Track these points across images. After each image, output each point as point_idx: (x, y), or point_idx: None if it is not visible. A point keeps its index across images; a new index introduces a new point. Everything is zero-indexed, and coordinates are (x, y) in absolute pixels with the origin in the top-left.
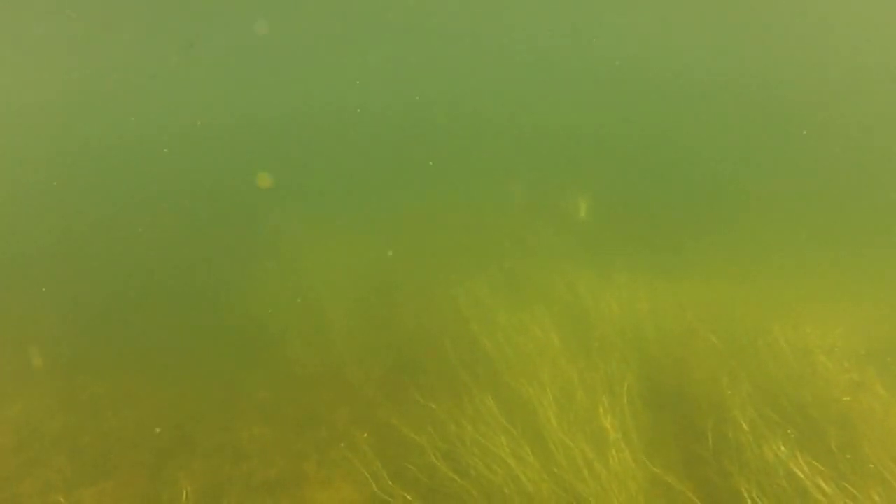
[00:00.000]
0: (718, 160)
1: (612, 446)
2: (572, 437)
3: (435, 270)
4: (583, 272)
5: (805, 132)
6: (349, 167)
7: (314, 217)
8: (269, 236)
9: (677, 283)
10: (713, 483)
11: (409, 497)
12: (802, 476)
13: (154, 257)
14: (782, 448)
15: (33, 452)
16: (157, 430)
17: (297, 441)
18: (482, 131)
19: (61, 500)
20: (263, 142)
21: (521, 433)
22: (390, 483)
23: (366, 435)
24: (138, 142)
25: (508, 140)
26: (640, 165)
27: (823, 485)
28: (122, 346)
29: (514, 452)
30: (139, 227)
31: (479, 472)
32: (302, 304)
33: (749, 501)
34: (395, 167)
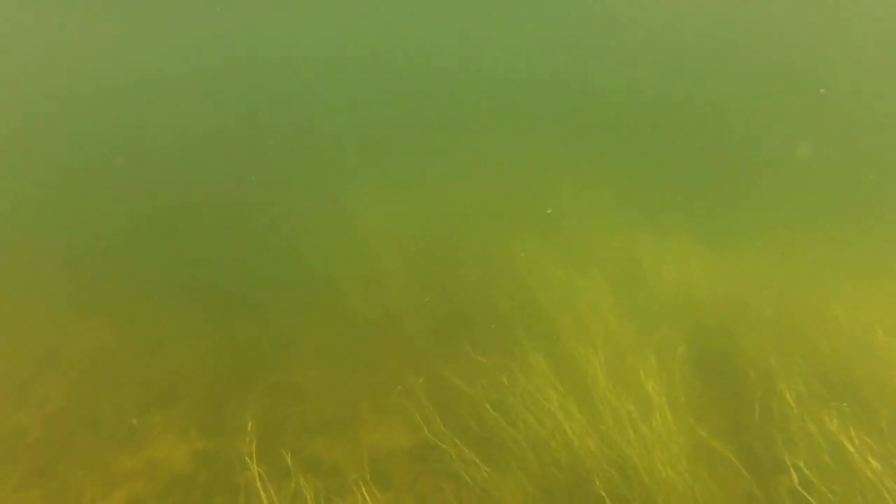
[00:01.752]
0: (782, 129)
1: (657, 409)
2: (619, 397)
3: (490, 227)
4: (639, 236)
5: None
6: (409, 120)
7: (373, 168)
8: (328, 186)
9: (735, 251)
10: (756, 452)
11: (458, 442)
12: (852, 450)
13: (215, 203)
14: (831, 423)
15: (106, 380)
16: (218, 367)
17: (351, 385)
18: (539, 92)
19: (134, 422)
20: (327, 85)
21: (569, 390)
22: (442, 427)
23: (421, 380)
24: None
25: (569, 102)
26: (700, 131)
27: (873, 461)
28: (186, 287)
29: (562, 407)
30: (205, 170)
31: (527, 423)
32: (359, 254)
33: (793, 471)
34: (457, 123)
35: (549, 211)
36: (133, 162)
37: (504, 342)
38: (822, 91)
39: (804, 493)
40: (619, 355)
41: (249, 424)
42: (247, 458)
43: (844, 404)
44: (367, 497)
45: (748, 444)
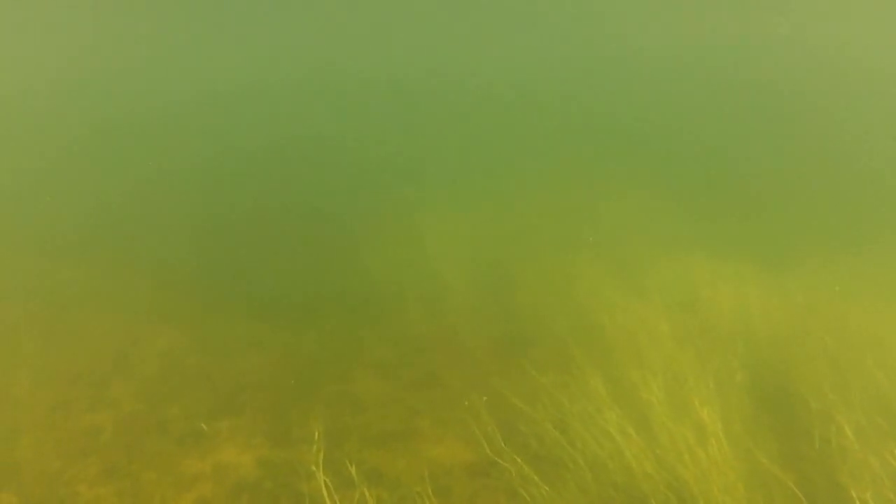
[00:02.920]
0: (849, 147)
1: (712, 434)
2: (676, 421)
3: (546, 248)
4: (696, 259)
5: None
6: (474, 138)
7: (437, 186)
8: (392, 203)
9: (794, 276)
10: (817, 482)
11: (518, 459)
12: None
13: (284, 215)
14: (894, 459)
15: (176, 384)
16: (283, 376)
17: (411, 399)
18: (588, 111)
19: (203, 426)
20: (394, 100)
21: (626, 412)
22: (502, 445)
23: (485, 398)
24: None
25: (617, 119)
26: (757, 149)
27: None
28: (253, 296)
29: (620, 429)
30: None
31: (585, 443)
32: (420, 271)
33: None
34: (520, 142)
35: (591, 239)
36: (207, 171)
37: (563, 362)
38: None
39: None
40: (676, 380)
41: (315, 434)
42: (313, 467)
43: None
44: None
45: (807, 473)
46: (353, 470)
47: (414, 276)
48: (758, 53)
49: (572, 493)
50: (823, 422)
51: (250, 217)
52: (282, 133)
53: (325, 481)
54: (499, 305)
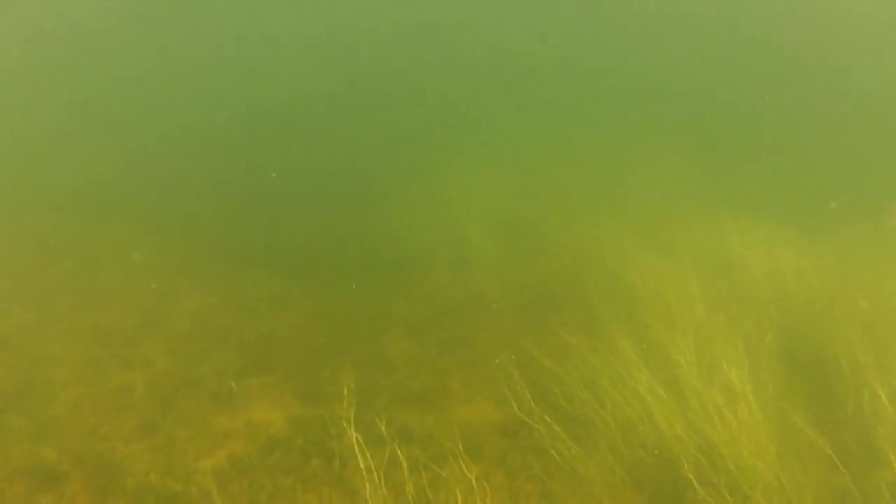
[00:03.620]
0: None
1: (742, 397)
2: (706, 384)
3: (575, 208)
4: (727, 219)
5: None
6: (503, 97)
7: (462, 145)
8: (420, 163)
9: (828, 237)
10: (850, 445)
11: (548, 419)
12: None
13: (311, 176)
14: None
15: (206, 342)
16: (312, 336)
17: (440, 359)
18: (613, 66)
19: (233, 385)
20: (418, 56)
21: (656, 374)
22: (532, 405)
23: (513, 356)
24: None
25: (643, 72)
26: (790, 104)
27: None
28: (281, 256)
29: (650, 391)
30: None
31: (615, 404)
32: (447, 232)
33: None
34: (545, 99)
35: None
36: (233, 130)
37: (592, 323)
38: None
39: None
40: (706, 343)
41: (346, 392)
42: (344, 424)
43: None
44: (464, 467)
45: (841, 437)
46: (383, 427)
47: (442, 237)
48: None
49: (602, 453)
50: (857, 386)
51: (278, 177)
52: (309, 91)
53: (356, 438)
54: (527, 267)
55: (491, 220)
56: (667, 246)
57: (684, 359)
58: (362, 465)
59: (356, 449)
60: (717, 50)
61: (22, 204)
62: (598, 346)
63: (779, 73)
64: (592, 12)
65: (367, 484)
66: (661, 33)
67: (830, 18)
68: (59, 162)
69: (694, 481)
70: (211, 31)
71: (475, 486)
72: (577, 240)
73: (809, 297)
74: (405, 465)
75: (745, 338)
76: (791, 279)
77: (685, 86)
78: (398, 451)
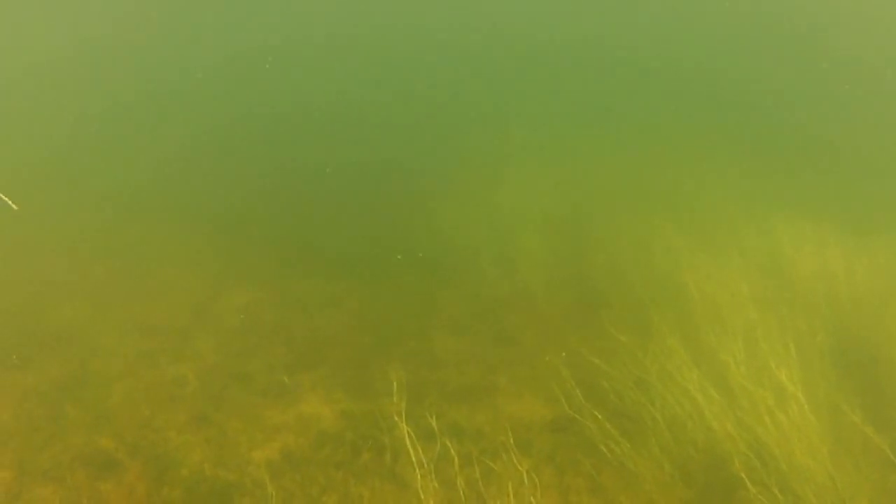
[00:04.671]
0: None
1: (793, 398)
2: (756, 384)
3: (622, 205)
4: (778, 218)
5: None
6: (548, 93)
7: (511, 142)
8: (465, 159)
9: (881, 236)
10: None
11: (598, 415)
12: None
13: (358, 172)
14: None
15: (255, 337)
16: (360, 332)
17: (488, 355)
18: (661, 61)
19: (285, 379)
20: (457, 50)
21: (706, 373)
22: (582, 401)
23: (564, 354)
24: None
25: (693, 68)
26: (847, 108)
27: None
28: (328, 252)
29: (701, 389)
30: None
31: (665, 402)
32: (493, 227)
33: None
34: (592, 94)
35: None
36: (281, 124)
37: (641, 322)
38: None
39: None
40: (756, 342)
41: (395, 386)
42: (395, 418)
43: None
44: (515, 460)
45: None
46: (433, 422)
47: (487, 233)
48: None
49: (652, 450)
50: None
51: (323, 174)
52: (356, 89)
53: (407, 432)
54: (573, 263)
55: (536, 217)
56: (715, 244)
57: (734, 358)
58: (414, 459)
59: (407, 443)
60: (768, 48)
61: (75, 201)
62: (648, 344)
63: (831, 71)
64: (642, 7)
65: (419, 477)
66: (710, 30)
67: (888, 14)
68: (111, 160)
69: (746, 480)
70: (255, 26)
71: (526, 479)
72: (624, 237)
73: (861, 296)
74: (456, 458)
75: (796, 338)
76: (842, 279)
77: (735, 83)
78: (449, 446)
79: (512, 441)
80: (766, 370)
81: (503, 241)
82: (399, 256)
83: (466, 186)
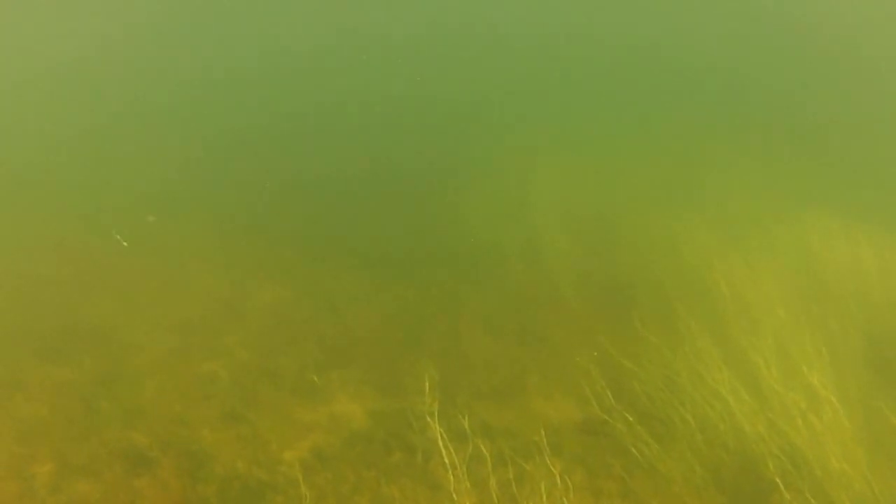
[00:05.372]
0: None
1: (826, 400)
2: (787, 386)
3: (651, 201)
4: (808, 217)
5: None
6: (574, 88)
7: (537, 139)
8: (493, 157)
9: None
10: None
11: (629, 417)
12: None
13: (386, 171)
14: None
15: (286, 335)
16: (389, 330)
17: (518, 355)
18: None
19: (315, 378)
20: (478, 48)
21: (736, 374)
22: (613, 402)
23: (595, 353)
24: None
25: (723, 64)
26: (876, 103)
27: None
28: (357, 250)
29: (732, 391)
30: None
31: (695, 404)
32: (521, 224)
33: None
34: (621, 92)
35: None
36: (310, 124)
37: (671, 322)
38: None
39: None
40: (787, 343)
41: (427, 386)
42: (427, 418)
43: None
44: (549, 462)
45: None
46: (465, 422)
47: (516, 232)
48: None
49: (684, 453)
50: None
51: (351, 173)
52: (382, 89)
53: (440, 432)
54: (603, 262)
55: (565, 215)
56: (745, 243)
57: (764, 360)
58: (446, 460)
59: (440, 443)
60: (796, 43)
61: (107, 201)
62: (678, 345)
63: (862, 65)
64: (672, 6)
65: (451, 478)
66: (738, 30)
67: None
68: (142, 160)
69: (780, 484)
70: (282, 29)
71: (559, 481)
72: (653, 236)
73: (894, 296)
74: (489, 459)
75: (828, 339)
76: (875, 278)
77: (764, 81)
78: (481, 446)
79: (545, 441)
80: (797, 372)
81: (532, 239)
82: (428, 254)
83: (495, 185)
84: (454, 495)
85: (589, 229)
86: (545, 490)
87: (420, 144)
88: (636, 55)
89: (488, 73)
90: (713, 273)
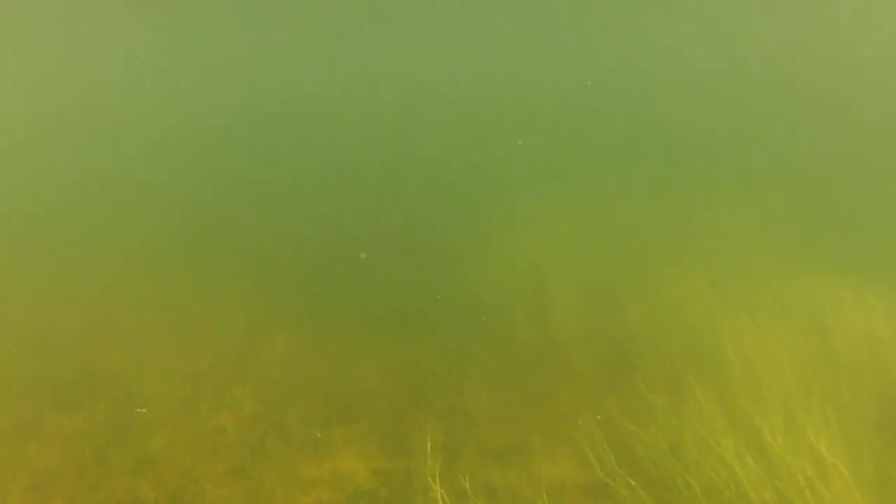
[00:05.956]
0: None
1: (833, 469)
2: (795, 453)
3: (656, 263)
4: (817, 279)
5: None
6: (581, 151)
7: (545, 201)
8: (501, 217)
9: None
10: None
11: (632, 482)
12: None
13: (392, 229)
14: None
15: (293, 390)
16: (395, 387)
17: (522, 415)
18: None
19: (318, 434)
20: (484, 109)
21: (742, 440)
22: (616, 466)
23: (599, 417)
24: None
25: (729, 130)
26: (885, 165)
27: None
28: (365, 307)
29: (737, 456)
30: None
31: (700, 468)
32: (526, 284)
33: None
34: (623, 154)
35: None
36: (315, 182)
37: (676, 385)
38: None
39: None
40: (796, 410)
41: (429, 445)
42: (429, 479)
43: None
44: None
45: None
46: (467, 483)
47: (523, 291)
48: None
49: None
50: None
51: (364, 229)
52: (392, 148)
53: (441, 493)
54: (609, 323)
55: (573, 275)
56: (754, 305)
57: (770, 426)
58: None
59: None
60: (808, 110)
61: (119, 252)
62: (683, 408)
63: (869, 126)
64: (672, 71)
65: None
66: (748, 91)
67: None
68: (153, 210)
69: None
70: (289, 79)
71: None
72: (660, 297)
73: None
74: None
75: (837, 405)
76: (887, 341)
77: (776, 144)
78: None
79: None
80: (804, 439)
81: (538, 299)
82: (436, 312)
83: (504, 244)
84: None
85: (596, 289)
86: None
87: (432, 204)
88: (644, 118)
89: (501, 136)
90: (720, 336)
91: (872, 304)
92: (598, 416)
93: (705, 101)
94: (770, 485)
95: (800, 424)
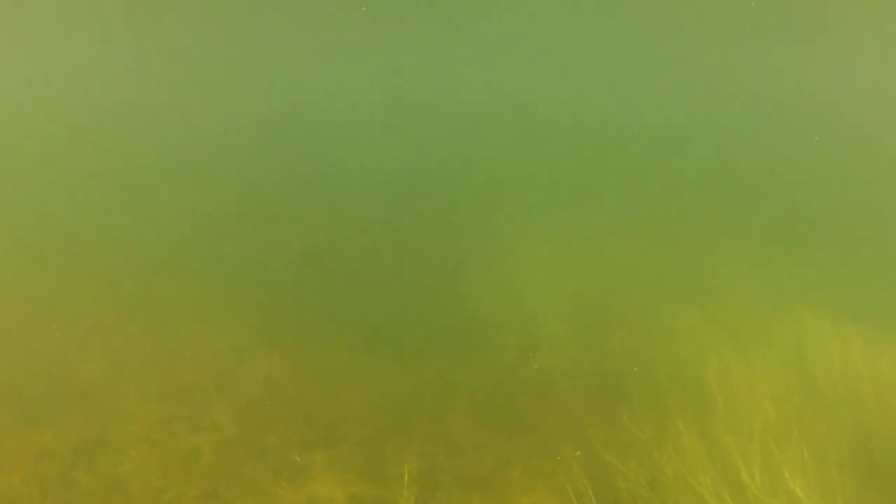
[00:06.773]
0: None
1: None
2: (771, 493)
3: (646, 292)
4: (801, 317)
5: None
6: (573, 180)
7: (534, 229)
8: (489, 243)
9: None
10: None
11: None
12: None
13: (379, 252)
14: None
15: (274, 410)
16: (377, 410)
17: (504, 444)
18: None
19: (297, 458)
20: (490, 133)
21: (722, 476)
22: (594, 500)
23: (578, 453)
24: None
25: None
26: (874, 208)
27: None
28: (351, 328)
29: (715, 494)
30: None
31: None
32: (515, 311)
33: None
34: (620, 181)
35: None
36: (308, 202)
37: (659, 416)
38: None
39: None
40: (773, 447)
41: (406, 475)
42: None
43: None
44: None
45: None
46: None
47: (511, 318)
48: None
49: None
50: None
51: (349, 252)
52: (378, 167)
53: None
54: (597, 353)
55: (563, 304)
56: (739, 340)
57: (747, 464)
58: None
59: None
60: (800, 152)
61: (104, 264)
62: (664, 442)
63: (859, 165)
64: (666, 93)
65: None
66: (741, 132)
67: None
68: (138, 228)
69: None
70: (282, 99)
71: None
72: (649, 329)
73: (888, 398)
74: None
75: (814, 443)
76: (866, 379)
77: (766, 184)
78: None
79: None
80: (780, 479)
81: (526, 326)
82: (423, 336)
83: (495, 270)
84: None
85: (586, 319)
86: None
87: (421, 228)
88: (642, 151)
89: (497, 161)
90: (705, 369)
91: (854, 342)
92: (578, 453)
93: (707, 140)
94: None
95: (776, 463)
